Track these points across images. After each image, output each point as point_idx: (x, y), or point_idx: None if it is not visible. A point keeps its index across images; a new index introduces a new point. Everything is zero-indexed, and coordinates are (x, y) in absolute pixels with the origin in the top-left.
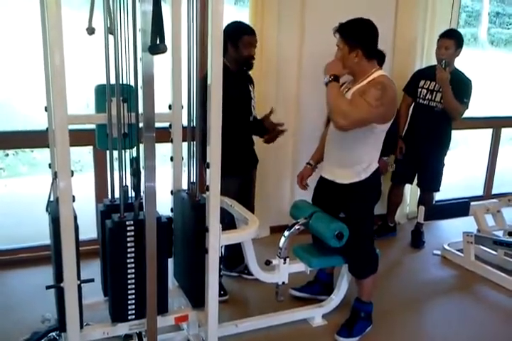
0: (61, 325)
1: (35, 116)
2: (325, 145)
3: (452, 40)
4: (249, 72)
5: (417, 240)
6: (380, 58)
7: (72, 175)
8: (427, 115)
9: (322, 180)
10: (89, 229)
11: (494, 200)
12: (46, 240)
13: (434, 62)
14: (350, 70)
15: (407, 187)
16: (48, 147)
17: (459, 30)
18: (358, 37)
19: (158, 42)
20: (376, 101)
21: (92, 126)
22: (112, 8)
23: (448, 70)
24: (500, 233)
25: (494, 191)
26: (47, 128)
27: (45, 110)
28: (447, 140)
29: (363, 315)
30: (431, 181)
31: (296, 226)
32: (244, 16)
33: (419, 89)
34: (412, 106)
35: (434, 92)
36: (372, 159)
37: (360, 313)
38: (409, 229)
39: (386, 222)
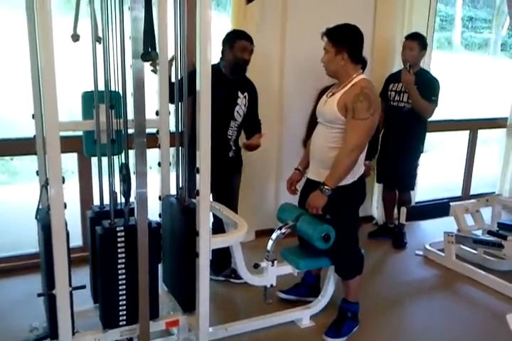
0: (52, 333)
1: (12, 124)
2: (310, 146)
3: (416, 41)
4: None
5: (399, 241)
6: (362, 64)
7: (64, 182)
8: (397, 116)
9: (308, 182)
10: (72, 237)
11: (473, 201)
12: (28, 249)
13: None
14: (335, 73)
15: None
16: (36, 154)
17: (435, 34)
18: (345, 40)
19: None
20: (367, 112)
21: (75, 133)
22: (101, 14)
23: (412, 72)
24: (479, 232)
25: (472, 192)
26: (34, 136)
27: (33, 117)
28: (419, 139)
29: (350, 315)
30: (403, 180)
31: (283, 229)
32: (223, 20)
33: (389, 92)
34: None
35: (402, 93)
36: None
37: (347, 313)
38: None
39: (386, 223)
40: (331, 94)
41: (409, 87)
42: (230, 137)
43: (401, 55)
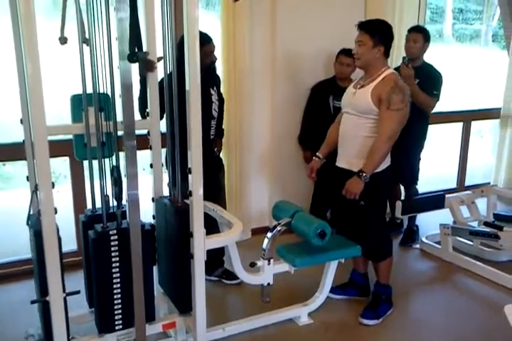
0: (48, 339)
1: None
2: (339, 136)
3: (420, 34)
4: (217, 74)
5: (405, 238)
6: None
7: (53, 187)
8: None
9: (337, 171)
10: (66, 241)
11: (468, 192)
12: (24, 255)
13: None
14: (366, 64)
15: None
16: (25, 159)
17: (426, 26)
18: (384, 35)
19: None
20: (402, 104)
21: (66, 137)
22: (87, 16)
23: (410, 67)
24: (475, 223)
25: (467, 183)
26: (23, 141)
27: (21, 122)
28: (421, 134)
29: (384, 297)
30: (409, 174)
31: (279, 227)
32: (212, 19)
33: None
34: None
35: None
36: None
37: (382, 296)
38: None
39: (392, 219)
40: (359, 85)
41: (408, 82)
42: (212, 136)
43: (404, 48)
